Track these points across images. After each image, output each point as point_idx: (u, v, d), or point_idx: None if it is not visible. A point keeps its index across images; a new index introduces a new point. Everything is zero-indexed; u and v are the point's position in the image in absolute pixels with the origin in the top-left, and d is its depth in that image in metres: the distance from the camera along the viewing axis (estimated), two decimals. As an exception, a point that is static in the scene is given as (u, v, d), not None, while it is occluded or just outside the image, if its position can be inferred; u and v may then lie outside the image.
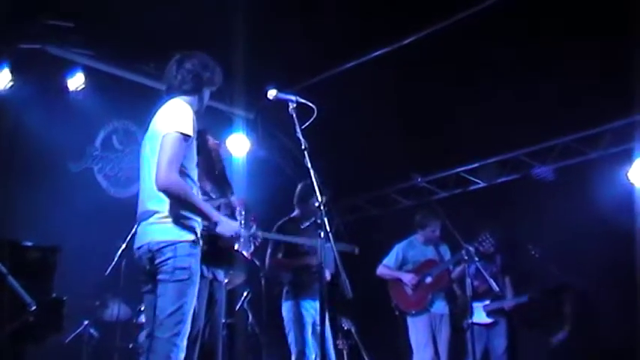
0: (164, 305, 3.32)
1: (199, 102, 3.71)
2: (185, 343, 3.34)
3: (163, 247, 3.35)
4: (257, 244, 4.73)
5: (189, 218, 3.44)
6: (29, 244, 4.96)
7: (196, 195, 3.55)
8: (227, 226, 3.58)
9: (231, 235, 3.53)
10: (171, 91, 3.68)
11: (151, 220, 3.42)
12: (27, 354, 4.76)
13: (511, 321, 7.12)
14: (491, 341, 7.01)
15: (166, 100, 3.65)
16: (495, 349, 6.98)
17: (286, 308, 5.55)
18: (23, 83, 6.44)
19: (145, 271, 3.49)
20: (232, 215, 4.52)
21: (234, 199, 4.35)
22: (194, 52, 3.78)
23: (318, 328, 5.34)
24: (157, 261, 3.37)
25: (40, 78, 6.62)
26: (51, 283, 4.92)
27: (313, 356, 5.33)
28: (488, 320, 6.89)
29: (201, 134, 3.97)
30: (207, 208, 3.54)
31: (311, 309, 5.46)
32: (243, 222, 4.39)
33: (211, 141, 4.59)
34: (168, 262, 3.34)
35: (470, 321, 6.14)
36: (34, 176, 6.46)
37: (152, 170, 3.42)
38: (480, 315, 6.87)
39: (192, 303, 3.38)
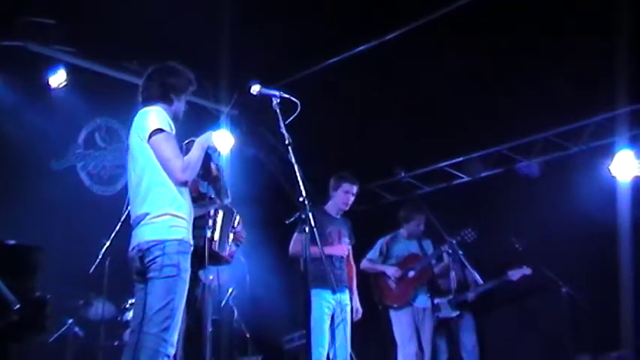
0: (152, 301, 3.44)
1: (169, 108, 3.81)
2: (175, 338, 3.44)
3: (152, 246, 3.48)
4: (240, 242, 4.73)
5: (178, 217, 3.55)
6: (12, 242, 4.92)
7: (180, 198, 3.64)
8: (203, 139, 3.73)
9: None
10: (144, 101, 3.83)
11: (143, 222, 3.56)
12: (11, 353, 4.72)
13: (477, 315, 7.19)
14: (460, 337, 7.07)
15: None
16: (465, 344, 7.04)
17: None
18: (4, 81, 6.39)
19: (136, 271, 3.62)
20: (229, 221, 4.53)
21: (228, 201, 4.32)
22: (165, 63, 3.93)
23: (336, 320, 5.39)
24: (147, 260, 3.50)
25: (22, 75, 6.56)
26: (34, 282, 4.88)
27: (327, 347, 5.30)
28: (454, 314, 6.93)
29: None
30: (197, 148, 3.70)
31: (331, 300, 5.42)
32: (219, 221, 4.41)
33: None
34: (157, 259, 3.47)
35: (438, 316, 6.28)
36: (16, 174, 6.41)
37: (139, 176, 3.60)
38: (446, 310, 6.91)
39: (181, 299, 3.48)
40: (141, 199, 3.59)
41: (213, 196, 4.21)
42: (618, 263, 6.62)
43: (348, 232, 5.85)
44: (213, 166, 4.09)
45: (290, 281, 5.56)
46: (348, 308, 5.52)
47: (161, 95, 3.80)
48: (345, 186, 5.81)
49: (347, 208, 5.86)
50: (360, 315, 5.67)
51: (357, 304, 5.70)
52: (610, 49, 6.01)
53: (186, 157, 3.61)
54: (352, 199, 5.85)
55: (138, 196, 3.62)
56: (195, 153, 3.66)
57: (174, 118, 3.80)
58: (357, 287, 5.90)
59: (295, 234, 5.55)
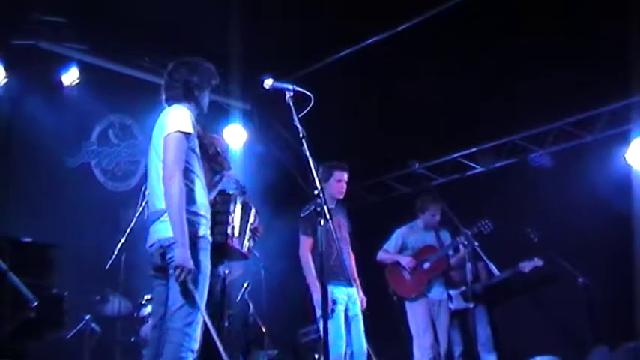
0: (175, 297, 3.50)
1: (196, 106, 3.89)
2: (198, 332, 3.51)
3: (173, 243, 3.52)
4: (257, 237, 4.73)
5: (197, 214, 3.61)
6: (29, 240, 4.96)
7: (199, 195, 3.67)
8: (183, 254, 3.45)
9: (177, 265, 3.44)
10: (168, 100, 3.89)
11: (162, 218, 3.60)
12: (29, 350, 4.76)
13: (489, 306, 7.18)
14: (474, 328, 7.05)
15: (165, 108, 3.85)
16: (479, 336, 7.03)
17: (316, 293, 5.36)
18: (18, 80, 6.43)
19: (156, 267, 3.68)
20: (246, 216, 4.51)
21: (231, 173, 4.32)
22: (185, 59, 3.96)
23: (350, 315, 5.38)
24: (169, 256, 3.55)
25: (35, 74, 6.60)
26: (51, 279, 4.93)
27: (344, 346, 5.24)
28: (465, 305, 6.91)
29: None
30: (182, 228, 3.50)
31: (343, 294, 5.40)
32: (239, 217, 4.40)
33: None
34: None
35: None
36: (31, 172, 6.45)
37: (159, 173, 3.63)
38: (458, 301, 6.89)
39: (203, 293, 3.55)
40: (159, 195, 3.62)
41: (231, 193, 4.22)
42: (634, 252, 6.57)
43: (346, 220, 5.80)
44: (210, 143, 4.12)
45: (303, 276, 5.54)
46: (359, 302, 5.52)
47: (185, 95, 3.84)
48: (337, 174, 5.69)
49: (342, 197, 5.76)
50: (365, 304, 5.61)
51: (361, 293, 5.64)
52: (624, 36, 5.94)
53: (182, 192, 3.51)
54: (345, 186, 5.75)
55: (157, 192, 3.65)
56: (178, 215, 3.48)
57: (200, 114, 3.88)
58: (374, 280, 5.87)
59: (301, 236, 5.52)
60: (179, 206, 3.49)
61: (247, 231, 4.51)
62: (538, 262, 6.76)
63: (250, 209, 4.60)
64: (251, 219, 4.61)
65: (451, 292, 6.82)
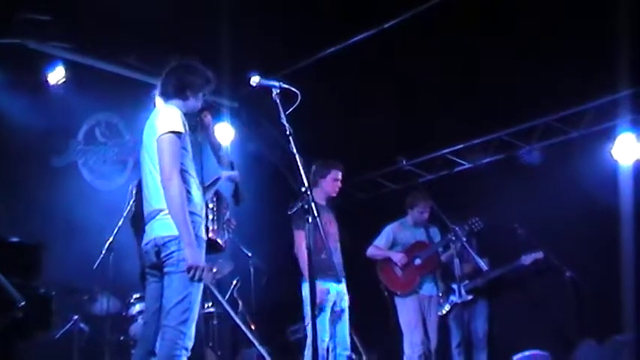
0: (170, 295, 3.52)
1: (185, 104, 3.88)
2: (193, 331, 3.52)
3: (168, 242, 3.55)
4: (231, 229, 4.72)
5: (192, 213, 3.60)
6: (15, 240, 4.93)
7: (194, 194, 3.68)
8: (193, 253, 3.47)
9: (190, 265, 3.45)
10: (161, 97, 3.90)
11: (158, 217, 3.62)
12: (17, 351, 4.74)
13: (490, 301, 7.23)
14: (472, 323, 7.11)
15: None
16: (477, 330, 7.08)
17: (307, 288, 5.34)
18: (3, 79, 6.37)
19: (151, 265, 3.68)
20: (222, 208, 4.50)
21: (229, 173, 4.28)
22: (186, 61, 3.97)
23: (337, 310, 5.39)
24: (163, 254, 3.57)
25: (20, 73, 6.54)
26: (38, 278, 4.90)
27: (327, 339, 5.28)
28: (468, 297, 6.96)
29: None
30: (187, 227, 3.50)
31: (333, 290, 5.41)
32: (215, 209, 4.41)
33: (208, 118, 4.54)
34: (173, 254, 3.54)
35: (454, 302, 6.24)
36: (18, 172, 6.41)
37: (154, 172, 3.65)
38: (458, 295, 6.93)
39: (197, 293, 3.57)
40: (155, 195, 3.64)
41: (208, 184, 4.19)
42: (620, 247, 6.62)
43: (334, 218, 5.81)
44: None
45: (293, 272, 5.55)
46: (346, 297, 5.53)
47: (176, 91, 3.86)
48: (334, 173, 5.74)
49: (335, 195, 5.80)
50: (348, 300, 5.60)
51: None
52: (610, 32, 5.97)
53: (182, 192, 3.52)
54: (340, 185, 5.79)
55: (152, 192, 3.67)
56: (182, 215, 3.49)
57: (187, 113, 3.86)
58: (363, 275, 5.87)
59: (295, 231, 5.52)
60: (182, 206, 3.51)
61: (223, 224, 4.52)
62: (539, 254, 6.82)
63: (224, 201, 4.59)
64: (224, 211, 4.61)
65: (453, 285, 6.85)
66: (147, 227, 3.71)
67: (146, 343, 3.65)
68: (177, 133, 3.63)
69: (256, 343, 3.49)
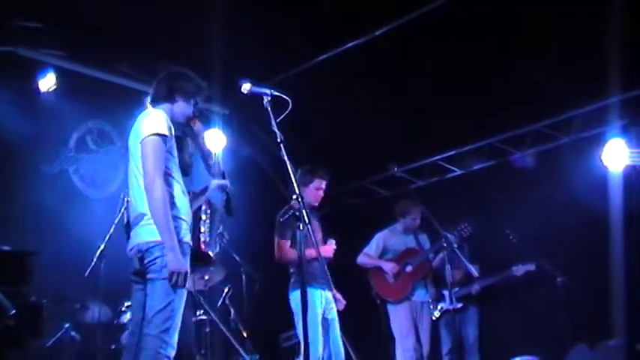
0: (153, 303, 3.46)
1: (173, 108, 3.84)
2: (175, 339, 3.46)
3: (151, 247, 3.50)
4: (224, 243, 4.71)
5: (177, 218, 3.57)
6: (6, 248, 4.92)
7: (178, 198, 3.64)
8: (175, 258, 3.45)
9: (172, 271, 3.43)
10: (151, 102, 3.87)
11: (142, 222, 3.57)
12: (8, 359, 4.71)
13: (481, 308, 7.24)
14: (463, 329, 7.13)
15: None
16: (468, 337, 7.10)
17: (296, 298, 5.27)
18: (-6, 86, 6.36)
19: (135, 271, 3.64)
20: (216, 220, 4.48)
21: (219, 182, 4.26)
22: (179, 69, 3.98)
23: (328, 318, 5.36)
24: (146, 260, 3.52)
25: (11, 80, 6.52)
26: (29, 287, 4.88)
27: (321, 349, 5.19)
28: (458, 305, 6.97)
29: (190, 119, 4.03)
30: (170, 231, 3.48)
31: (321, 298, 5.36)
32: (208, 221, 4.39)
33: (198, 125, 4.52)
34: (157, 261, 3.48)
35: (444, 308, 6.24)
36: (8, 180, 6.38)
37: (138, 177, 3.60)
38: (448, 302, 6.95)
39: (181, 300, 3.51)
40: (139, 200, 3.59)
41: (197, 192, 4.18)
42: (611, 252, 6.65)
43: (319, 226, 5.69)
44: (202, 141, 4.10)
45: (284, 280, 5.54)
46: (334, 305, 5.47)
47: (165, 96, 3.83)
48: (317, 182, 5.55)
49: (317, 205, 5.66)
50: (343, 304, 5.51)
51: (337, 294, 5.52)
52: (600, 38, 6.01)
53: (165, 196, 3.49)
54: (322, 195, 5.62)
55: (137, 197, 3.63)
56: (164, 219, 3.46)
57: (175, 117, 3.82)
58: (354, 282, 5.85)
59: (276, 238, 5.45)
60: (164, 210, 3.46)
61: (215, 237, 4.50)
62: (531, 266, 6.83)
63: (217, 213, 4.58)
64: (217, 224, 4.60)
65: (444, 292, 6.87)
66: (132, 233, 3.66)
67: (131, 353, 3.59)
68: (162, 136, 3.58)
69: (241, 351, 3.45)
